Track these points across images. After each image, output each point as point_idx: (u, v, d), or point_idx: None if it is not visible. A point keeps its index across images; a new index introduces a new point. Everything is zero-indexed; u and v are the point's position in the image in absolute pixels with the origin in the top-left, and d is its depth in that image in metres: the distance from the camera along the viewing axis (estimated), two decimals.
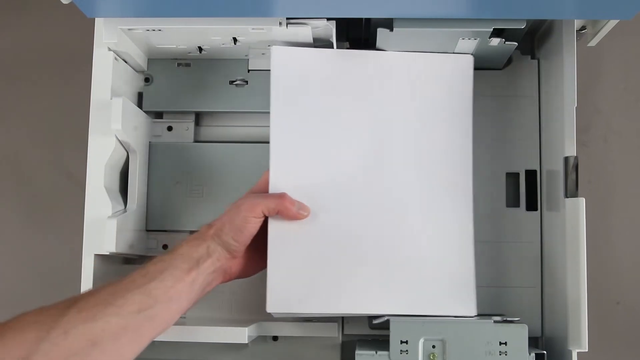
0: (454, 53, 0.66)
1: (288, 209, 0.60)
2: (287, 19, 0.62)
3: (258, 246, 0.61)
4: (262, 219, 0.60)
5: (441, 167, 0.64)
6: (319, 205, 0.63)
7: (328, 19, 0.62)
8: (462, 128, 0.65)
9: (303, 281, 0.62)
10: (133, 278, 0.54)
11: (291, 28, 0.62)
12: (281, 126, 0.64)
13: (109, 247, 0.63)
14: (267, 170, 0.63)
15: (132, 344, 0.52)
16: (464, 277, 0.63)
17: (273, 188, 0.63)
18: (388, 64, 0.66)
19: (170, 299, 0.54)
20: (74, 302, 0.51)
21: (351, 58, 0.66)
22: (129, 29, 0.65)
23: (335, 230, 0.63)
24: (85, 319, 0.49)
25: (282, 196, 0.60)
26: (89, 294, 0.52)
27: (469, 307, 0.62)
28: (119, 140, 0.66)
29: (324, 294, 0.62)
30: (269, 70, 0.71)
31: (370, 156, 0.64)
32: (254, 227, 0.59)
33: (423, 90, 0.65)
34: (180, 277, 0.55)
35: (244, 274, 0.63)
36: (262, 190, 0.63)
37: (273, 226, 0.62)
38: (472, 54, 0.66)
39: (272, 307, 0.61)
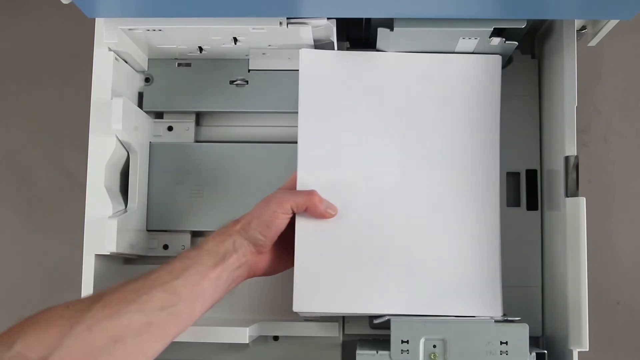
0: (482, 53, 0.66)
1: (316, 206, 0.61)
2: (288, 18, 0.62)
3: (285, 245, 0.62)
4: (290, 215, 0.60)
5: (468, 168, 0.65)
6: (345, 206, 0.63)
7: (328, 19, 0.62)
8: (490, 128, 0.65)
9: (329, 281, 0.62)
10: (159, 274, 0.54)
11: (291, 28, 0.62)
12: (309, 127, 0.65)
13: (110, 247, 0.63)
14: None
15: (155, 340, 0.52)
16: (490, 277, 0.63)
17: (301, 187, 0.63)
18: (415, 66, 0.66)
19: (195, 296, 0.54)
20: (99, 297, 0.51)
21: (378, 60, 0.66)
22: (130, 29, 0.65)
23: (362, 231, 0.63)
24: (109, 315, 0.50)
25: (311, 193, 0.61)
26: (114, 289, 0.52)
27: (495, 308, 0.63)
28: (119, 140, 0.66)
29: (350, 294, 0.62)
30: (269, 70, 0.71)
31: (397, 156, 0.65)
32: (282, 222, 0.59)
33: (451, 91, 0.66)
34: (205, 273, 0.55)
35: (269, 271, 0.63)
36: (292, 188, 0.64)
37: (300, 225, 0.62)
38: (500, 54, 0.66)
39: (298, 306, 0.62)
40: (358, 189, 0.64)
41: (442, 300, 0.62)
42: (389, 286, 0.63)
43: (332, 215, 0.62)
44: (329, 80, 0.65)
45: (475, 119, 0.65)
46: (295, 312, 0.63)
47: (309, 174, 0.64)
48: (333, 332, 0.68)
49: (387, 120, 0.65)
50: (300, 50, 0.66)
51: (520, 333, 0.58)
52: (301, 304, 0.62)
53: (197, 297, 0.55)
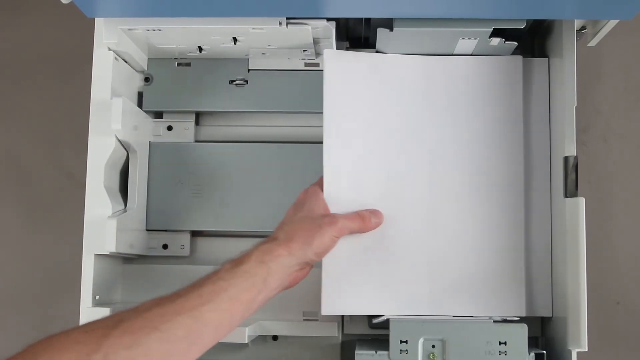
0: (503, 55, 0.66)
1: (369, 228, 0.62)
2: (287, 18, 0.62)
3: None
4: None
5: (493, 168, 0.65)
6: (371, 208, 0.63)
7: (328, 19, 0.62)
8: (514, 128, 0.65)
9: (357, 283, 0.62)
10: (187, 297, 0.51)
11: (291, 28, 0.62)
12: (334, 129, 0.64)
13: (109, 247, 0.63)
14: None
15: None
16: (515, 278, 0.63)
17: (327, 192, 0.62)
18: (438, 68, 0.66)
19: (222, 322, 0.52)
20: (120, 321, 0.48)
21: (401, 62, 0.66)
22: (129, 29, 0.65)
23: (388, 233, 0.63)
24: (128, 344, 0.47)
25: (363, 218, 0.61)
26: (137, 312, 0.49)
27: (519, 308, 0.63)
28: (119, 140, 0.66)
29: (377, 295, 0.63)
30: (269, 70, 0.71)
31: (422, 158, 0.65)
32: (335, 244, 0.59)
33: (474, 93, 0.66)
34: (239, 298, 0.52)
35: (299, 281, 0.61)
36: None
37: None
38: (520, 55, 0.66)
39: (327, 309, 0.62)
40: (384, 192, 0.64)
41: (467, 301, 0.63)
42: (416, 288, 0.63)
43: (379, 225, 0.63)
44: (353, 81, 0.65)
45: (499, 119, 0.65)
46: (295, 312, 0.63)
47: (335, 178, 0.63)
48: (332, 332, 0.68)
49: (412, 123, 0.65)
50: (324, 50, 0.65)
51: (519, 333, 0.58)
52: (330, 306, 0.62)
53: (225, 321, 0.52)
